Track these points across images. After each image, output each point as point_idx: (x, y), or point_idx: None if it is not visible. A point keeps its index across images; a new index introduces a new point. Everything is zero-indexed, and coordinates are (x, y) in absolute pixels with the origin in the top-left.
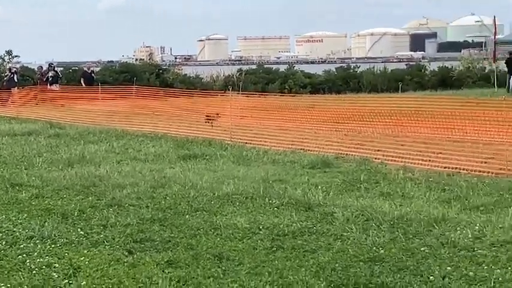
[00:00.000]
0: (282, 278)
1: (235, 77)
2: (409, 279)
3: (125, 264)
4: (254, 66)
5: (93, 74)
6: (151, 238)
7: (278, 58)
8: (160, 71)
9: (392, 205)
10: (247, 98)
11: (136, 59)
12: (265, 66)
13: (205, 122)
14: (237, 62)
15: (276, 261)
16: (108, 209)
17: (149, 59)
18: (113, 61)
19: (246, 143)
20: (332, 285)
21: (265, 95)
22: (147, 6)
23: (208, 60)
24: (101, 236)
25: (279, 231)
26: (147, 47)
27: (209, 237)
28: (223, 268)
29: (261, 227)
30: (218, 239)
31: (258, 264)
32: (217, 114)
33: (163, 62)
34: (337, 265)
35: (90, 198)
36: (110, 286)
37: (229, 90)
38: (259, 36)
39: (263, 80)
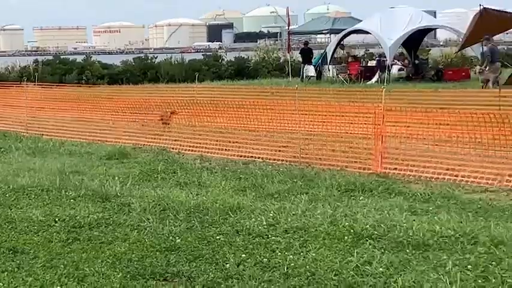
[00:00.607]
0: (78, 270)
1: (31, 68)
2: (204, 267)
3: None
4: (51, 57)
5: None
6: None
7: (75, 49)
8: None
9: (189, 194)
10: (44, 89)
11: None
12: (62, 57)
13: (162, 124)
14: (34, 52)
15: (72, 254)
16: None
17: None
18: None
19: (43, 134)
20: (128, 276)
21: (61, 86)
22: None
23: (3, 51)
24: None
25: (75, 223)
26: None
27: (3, 230)
28: (18, 262)
29: (56, 220)
30: (13, 232)
31: (53, 257)
32: (174, 112)
33: None
34: (133, 255)
35: None
36: None
37: (24, 81)
38: (56, 27)
39: (60, 71)
